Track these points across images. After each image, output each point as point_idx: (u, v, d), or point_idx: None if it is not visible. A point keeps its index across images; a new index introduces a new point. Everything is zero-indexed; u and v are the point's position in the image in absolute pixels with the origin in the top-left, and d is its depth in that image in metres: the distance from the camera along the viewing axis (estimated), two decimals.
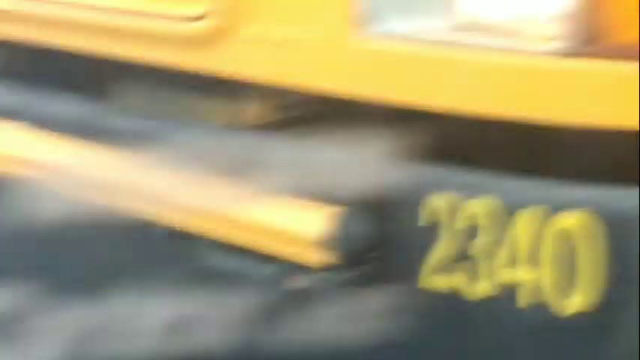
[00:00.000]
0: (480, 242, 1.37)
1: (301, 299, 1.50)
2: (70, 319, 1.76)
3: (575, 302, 1.32)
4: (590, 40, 1.37)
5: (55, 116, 1.86)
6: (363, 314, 1.46)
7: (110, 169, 1.74)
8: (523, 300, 1.35)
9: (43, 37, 1.98)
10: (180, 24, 1.72)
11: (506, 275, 1.37)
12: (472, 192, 1.38)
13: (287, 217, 1.48)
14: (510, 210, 1.35)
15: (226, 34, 1.66)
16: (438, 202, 1.39)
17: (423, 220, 1.41)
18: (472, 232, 1.38)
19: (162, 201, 1.66)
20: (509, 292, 1.36)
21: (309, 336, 1.48)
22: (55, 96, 1.91)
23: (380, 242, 1.43)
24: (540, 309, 1.35)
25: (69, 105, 1.85)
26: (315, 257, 1.48)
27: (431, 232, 1.40)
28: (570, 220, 1.32)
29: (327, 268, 1.46)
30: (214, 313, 1.57)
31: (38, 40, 1.98)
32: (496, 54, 1.40)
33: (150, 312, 1.64)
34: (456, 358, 1.45)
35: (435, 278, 1.41)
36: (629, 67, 1.34)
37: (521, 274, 1.35)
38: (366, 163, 1.45)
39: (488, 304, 1.39)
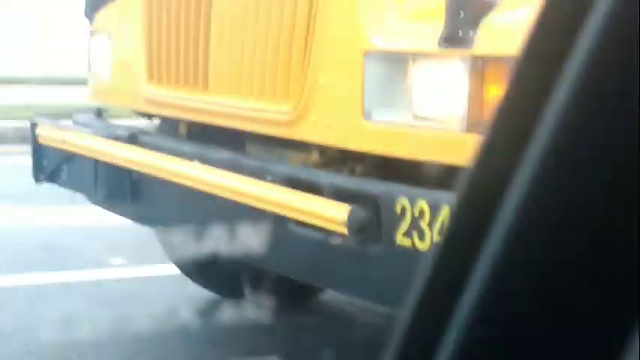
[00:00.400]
0: (424, 222, 2.80)
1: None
2: None
3: None
4: (479, 123, 2.80)
5: (216, 158, 3.36)
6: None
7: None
8: None
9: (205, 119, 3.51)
10: (277, 114, 3.20)
11: (435, 238, 2.78)
12: (421, 197, 2.81)
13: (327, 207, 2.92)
14: (436, 206, 2.78)
15: (300, 120, 3.13)
16: (403, 201, 2.82)
17: (396, 212, 2.84)
18: (421, 216, 2.81)
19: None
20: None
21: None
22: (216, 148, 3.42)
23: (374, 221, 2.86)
24: None
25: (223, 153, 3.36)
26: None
27: (400, 216, 2.83)
28: None
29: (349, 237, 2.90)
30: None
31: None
32: (429, 130, 2.83)
33: None
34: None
35: (402, 240, 2.83)
36: None
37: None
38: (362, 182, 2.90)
39: (426, 254, 2.81)
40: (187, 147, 3.54)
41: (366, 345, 3.71)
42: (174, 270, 4.46)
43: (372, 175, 2.98)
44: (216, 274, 4.34)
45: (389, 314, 3.82)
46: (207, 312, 4.34)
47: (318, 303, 4.30)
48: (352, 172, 3.04)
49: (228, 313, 4.27)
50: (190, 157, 3.40)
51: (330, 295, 4.15)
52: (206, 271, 4.33)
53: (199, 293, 4.42)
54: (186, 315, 4.24)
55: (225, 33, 3.40)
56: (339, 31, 3.03)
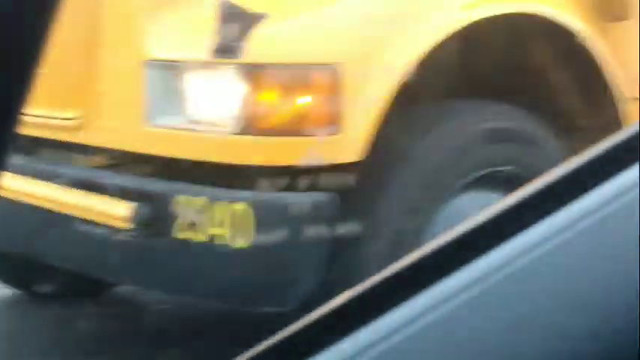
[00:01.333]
0: (199, 217, 3.06)
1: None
2: None
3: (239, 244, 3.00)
4: (249, 125, 3.07)
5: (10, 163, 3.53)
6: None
7: None
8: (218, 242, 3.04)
9: None
10: (65, 121, 3.40)
11: (212, 231, 3.05)
12: (197, 194, 3.07)
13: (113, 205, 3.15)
14: (212, 202, 3.04)
15: (88, 125, 3.34)
16: (180, 199, 3.08)
17: (176, 208, 3.10)
18: (196, 212, 3.07)
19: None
20: (212, 239, 3.05)
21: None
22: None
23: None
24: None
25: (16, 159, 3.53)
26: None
27: (178, 212, 3.09)
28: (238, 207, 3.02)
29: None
30: None
31: None
32: (204, 133, 3.10)
33: None
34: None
35: (181, 233, 3.09)
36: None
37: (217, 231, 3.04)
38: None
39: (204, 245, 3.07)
40: None
41: (159, 332, 3.95)
42: None
43: (156, 176, 3.22)
44: (14, 270, 4.49)
45: (179, 301, 4.07)
46: (4, 307, 4.50)
47: (114, 294, 4.51)
48: (136, 173, 3.28)
49: (28, 308, 4.43)
50: None
51: (126, 288, 4.37)
52: (4, 267, 4.48)
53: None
54: None
55: None
56: (121, 41, 3.26)
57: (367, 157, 3.06)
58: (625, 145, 0.71)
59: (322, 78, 3.04)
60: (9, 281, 4.58)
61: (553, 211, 0.68)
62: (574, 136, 3.47)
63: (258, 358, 0.69)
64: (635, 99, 3.50)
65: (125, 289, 4.40)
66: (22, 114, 0.70)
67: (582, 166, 0.71)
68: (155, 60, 3.17)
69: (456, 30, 3.20)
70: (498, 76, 3.57)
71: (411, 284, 0.68)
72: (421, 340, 0.66)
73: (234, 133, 3.05)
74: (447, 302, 0.67)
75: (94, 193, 3.21)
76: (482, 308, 0.67)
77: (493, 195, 3.28)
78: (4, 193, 3.45)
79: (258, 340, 0.70)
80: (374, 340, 0.66)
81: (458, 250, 0.69)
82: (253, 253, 3.00)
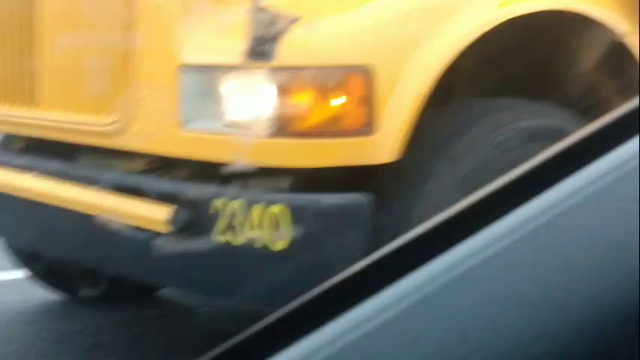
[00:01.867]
0: (237, 220, 3.08)
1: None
2: None
3: (277, 246, 3.02)
4: (284, 128, 3.08)
5: (50, 170, 3.60)
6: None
7: None
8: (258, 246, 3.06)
9: (37, 134, 3.74)
10: (102, 126, 3.43)
11: (250, 234, 3.07)
12: (234, 197, 3.09)
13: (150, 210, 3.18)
14: (249, 204, 3.06)
15: (124, 130, 3.38)
16: (218, 202, 3.10)
17: (214, 211, 3.12)
18: (234, 215, 3.09)
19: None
20: (250, 242, 3.07)
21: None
22: (50, 160, 3.66)
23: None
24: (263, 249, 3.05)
25: (56, 165, 3.59)
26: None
27: (216, 215, 3.11)
28: (275, 210, 3.03)
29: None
30: None
31: None
32: (240, 136, 3.12)
33: None
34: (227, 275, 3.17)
35: (220, 236, 3.11)
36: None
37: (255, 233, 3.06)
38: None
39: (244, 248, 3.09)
40: (24, 161, 3.75)
41: (203, 335, 3.98)
42: (23, 275, 4.66)
43: (193, 180, 3.25)
44: (61, 276, 4.55)
45: (222, 305, 4.10)
46: (54, 311, 4.55)
47: (159, 297, 4.56)
48: (173, 177, 3.31)
49: (76, 312, 4.49)
50: (26, 170, 3.63)
51: (170, 290, 4.41)
52: (52, 273, 4.55)
53: (48, 295, 4.63)
54: (35, 315, 4.45)
55: (49, 49, 3.61)
56: (156, 46, 3.29)
57: (403, 157, 3.06)
58: (625, 118, 0.71)
59: (355, 79, 3.05)
60: (56, 286, 4.65)
61: (554, 183, 0.68)
62: None
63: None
64: None
65: (168, 291, 4.44)
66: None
67: (582, 140, 0.71)
68: (190, 65, 3.19)
69: (491, 28, 3.19)
70: (535, 74, 3.55)
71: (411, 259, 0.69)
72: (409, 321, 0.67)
73: (269, 136, 3.06)
74: (444, 275, 0.67)
75: (134, 197, 3.25)
76: (481, 283, 0.66)
77: None
78: (47, 200, 3.51)
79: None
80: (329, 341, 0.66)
81: (461, 221, 0.71)
82: (291, 254, 3.01)
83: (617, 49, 3.46)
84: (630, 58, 3.46)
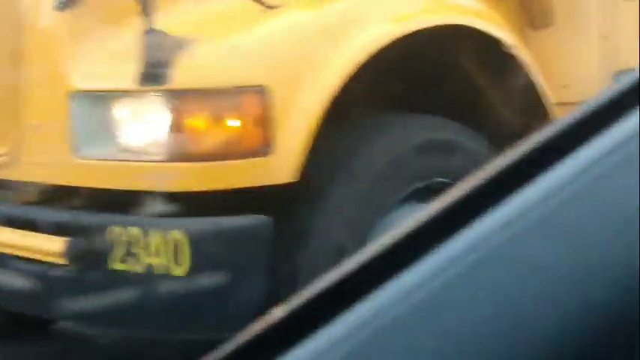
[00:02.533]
0: (135, 247, 3.02)
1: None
2: None
3: (178, 272, 2.97)
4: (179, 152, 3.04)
5: None
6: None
7: None
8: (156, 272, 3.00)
9: None
10: None
11: (149, 261, 3.01)
12: (131, 224, 3.03)
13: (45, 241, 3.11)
14: (146, 231, 3.01)
15: (17, 161, 3.29)
16: (114, 230, 3.04)
17: (111, 239, 3.05)
18: (132, 242, 3.03)
19: None
20: (150, 269, 3.01)
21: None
22: None
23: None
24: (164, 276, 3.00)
25: None
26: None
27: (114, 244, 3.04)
28: (174, 235, 2.98)
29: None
30: None
31: None
32: (135, 162, 3.06)
33: None
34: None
35: (118, 265, 3.04)
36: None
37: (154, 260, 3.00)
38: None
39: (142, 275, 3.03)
40: None
41: None
42: None
43: (88, 208, 3.17)
44: None
45: (126, 334, 4.01)
46: None
47: (57, 330, 4.44)
48: (68, 207, 3.23)
49: None
50: None
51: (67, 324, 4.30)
52: None
53: None
54: None
55: None
56: (45, 74, 3.21)
57: (302, 175, 3.04)
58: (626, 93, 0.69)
59: (251, 100, 3.02)
60: None
61: (553, 164, 0.68)
62: (507, 144, 3.47)
63: None
64: (559, 104, 3.51)
65: (67, 324, 4.34)
66: None
67: (580, 119, 0.70)
68: (80, 90, 3.13)
69: (386, 44, 3.19)
70: (430, 88, 3.56)
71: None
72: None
73: (165, 161, 3.01)
74: (451, 266, 0.66)
75: (27, 229, 3.16)
76: (483, 270, 0.65)
77: None
78: None
79: None
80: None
81: (460, 208, 0.70)
82: (191, 280, 2.96)
83: (507, 61, 3.50)
84: (519, 69, 3.50)
